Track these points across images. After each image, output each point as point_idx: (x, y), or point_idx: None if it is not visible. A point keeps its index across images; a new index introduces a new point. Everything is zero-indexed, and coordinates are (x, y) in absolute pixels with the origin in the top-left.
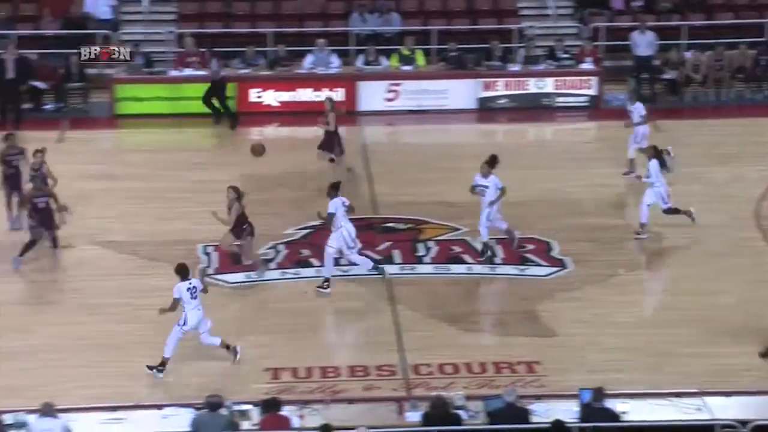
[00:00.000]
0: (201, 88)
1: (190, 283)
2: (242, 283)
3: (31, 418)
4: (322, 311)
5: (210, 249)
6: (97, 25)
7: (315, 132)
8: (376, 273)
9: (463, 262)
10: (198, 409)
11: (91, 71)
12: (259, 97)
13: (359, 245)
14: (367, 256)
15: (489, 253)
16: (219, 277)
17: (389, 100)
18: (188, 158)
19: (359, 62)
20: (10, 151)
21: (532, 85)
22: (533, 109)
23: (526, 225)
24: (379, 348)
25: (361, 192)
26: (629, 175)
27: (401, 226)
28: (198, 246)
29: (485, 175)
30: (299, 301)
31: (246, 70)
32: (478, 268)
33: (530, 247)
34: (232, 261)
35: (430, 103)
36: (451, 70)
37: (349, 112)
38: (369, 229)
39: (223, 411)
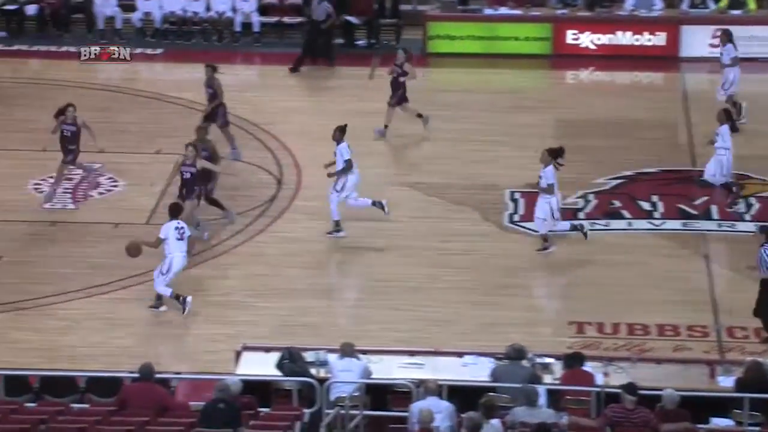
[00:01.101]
0: (516, 28)
1: (179, 223)
2: (549, 232)
3: (332, 357)
4: (631, 266)
5: (517, 195)
6: None
7: (634, 77)
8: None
9: None
10: (499, 359)
11: (405, 7)
12: (575, 38)
13: (355, 194)
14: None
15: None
16: (525, 224)
17: (714, 46)
18: (502, 100)
19: (684, 5)
20: (208, 82)
21: None
22: None
23: None
24: (692, 307)
25: (679, 142)
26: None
27: None
28: (505, 191)
29: (545, 164)
30: (607, 253)
31: (563, 11)
32: None
33: None
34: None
35: (759, 51)
36: None
37: (667, 57)
38: (687, 182)
39: (525, 363)
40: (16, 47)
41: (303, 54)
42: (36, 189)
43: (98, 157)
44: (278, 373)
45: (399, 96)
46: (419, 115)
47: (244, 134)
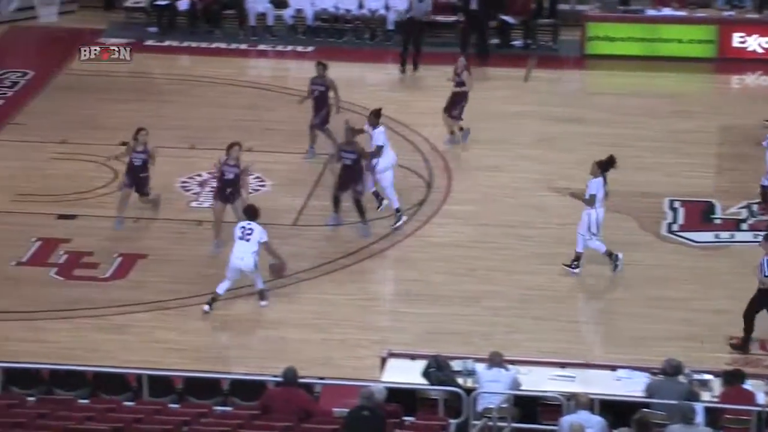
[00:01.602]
0: (679, 30)
1: (248, 224)
2: (710, 243)
3: (479, 367)
4: None
5: (677, 204)
6: None
7: None
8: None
9: None
10: (654, 374)
11: (563, 7)
12: (742, 41)
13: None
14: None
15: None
16: (684, 234)
17: None
18: (661, 105)
19: None
20: (316, 80)
21: None
22: None
23: None
24: None
25: None
26: None
27: None
28: (664, 200)
29: (594, 176)
30: None
31: (730, 13)
32: None
33: None
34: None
35: None
36: None
37: None
38: None
39: (681, 378)
40: (167, 43)
41: (403, 52)
42: (183, 187)
43: (245, 156)
44: (424, 381)
45: (461, 107)
46: (458, 129)
47: (393, 135)
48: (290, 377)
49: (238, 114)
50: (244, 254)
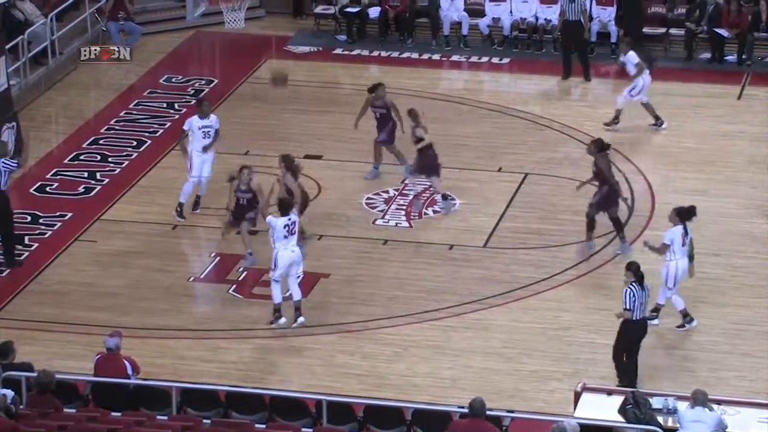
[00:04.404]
0: None
1: (289, 219)
2: None
3: (682, 406)
4: None
5: None
6: None
7: None
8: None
9: None
10: None
11: None
12: None
13: None
14: None
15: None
16: None
17: None
18: None
19: None
20: (375, 102)
21: None
22: None
23: None
24: None
25: None
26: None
27: None
28: None
29: (673, 223)
30: None
31: None
32: None
33: None
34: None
35: None
36: None
37: None
38: None
39: None
40: (356, 52)
41: (564, 59)
42: (369, 204)
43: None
44: (620, 418)
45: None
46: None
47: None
48: (477, 409)
49: (429, 128)
50: (290, 248)
